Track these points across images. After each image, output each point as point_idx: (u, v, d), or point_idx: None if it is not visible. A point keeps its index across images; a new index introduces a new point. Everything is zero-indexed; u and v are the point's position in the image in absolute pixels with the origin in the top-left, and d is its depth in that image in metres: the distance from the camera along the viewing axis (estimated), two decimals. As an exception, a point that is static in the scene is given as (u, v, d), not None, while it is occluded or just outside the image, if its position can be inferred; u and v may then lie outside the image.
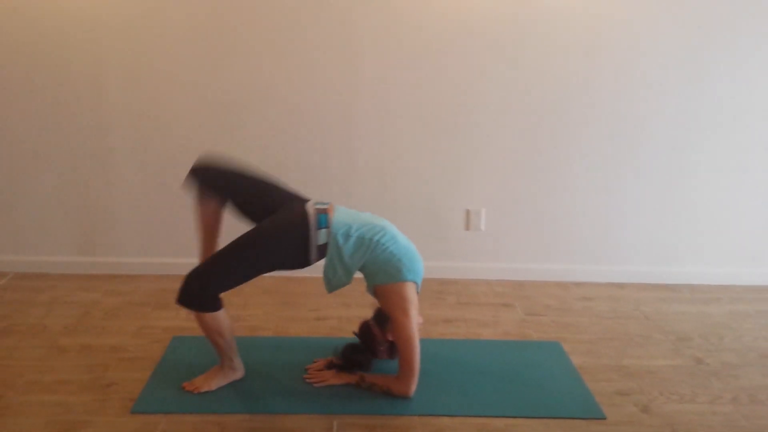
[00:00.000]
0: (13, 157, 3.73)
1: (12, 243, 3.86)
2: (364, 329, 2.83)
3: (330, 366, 2.82)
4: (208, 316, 2.63)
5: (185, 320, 3.31)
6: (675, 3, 3.56)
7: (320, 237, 2.60)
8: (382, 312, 2.78)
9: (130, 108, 3.67)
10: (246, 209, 2.76)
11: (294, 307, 3.52)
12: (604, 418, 2.57)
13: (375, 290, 2.73)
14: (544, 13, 3.57)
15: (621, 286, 3.91)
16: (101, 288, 3.68)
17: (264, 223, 2.64)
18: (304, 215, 2.61)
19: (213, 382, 2.72)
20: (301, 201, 2.72)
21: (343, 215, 2.68)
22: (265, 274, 2.67)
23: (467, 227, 3.88)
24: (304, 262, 2.63)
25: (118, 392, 2.67)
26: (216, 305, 2.65)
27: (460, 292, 3.74)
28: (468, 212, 3.86)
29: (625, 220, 3.89)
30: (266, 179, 2.81)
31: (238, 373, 2.78)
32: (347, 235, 2.61)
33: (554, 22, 3.58)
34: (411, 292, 2.67)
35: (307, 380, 2.77)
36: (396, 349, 2.78)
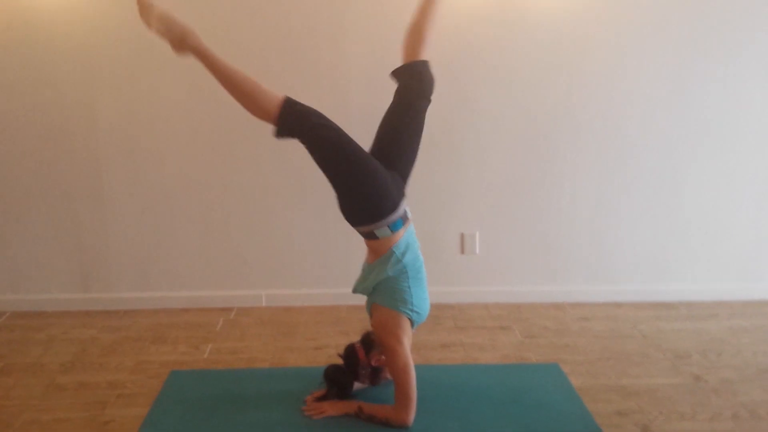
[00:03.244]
0: (7, 196, 3.74)
1: (8, 281, 3.86)
2: (349, 351, 2.83)
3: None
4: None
5: (183, 354, 3.32)
6: (661, 21, 3.61)
7: (383, 230, 2.62)
8: (370, 337, 2.80)
9: (122, 145, 3.69)
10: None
11: (292, 337, 3.52)
12: (605, 440, 2.57)
13: (373, 310, 2.74)
14: (533, 36, 3.61)
15: (618, 305, 3.91)
16: (98, 324, 3.68)
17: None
18: (401, 195, 2.66)
19: None
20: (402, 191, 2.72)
21: (412, 235, 2.73)
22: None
23: (462, 251, 3.89)
24: (357, 211, 2.65)
25: (116, 429, 2.67)
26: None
27: (456, 317, 3.74)
28: (462, 236, 3.87)
29: (619, 240, 3.90)
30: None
31: None
32: (403, 254, 2.66)
33: (542, 43, 3.62)
34: (407, 324, 2.69)
35: (306, 412, 2.76)
36: (379, 375, 2.82)
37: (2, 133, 3.66)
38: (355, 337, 3.34)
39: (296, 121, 2.54)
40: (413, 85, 2.79)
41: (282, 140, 2.63)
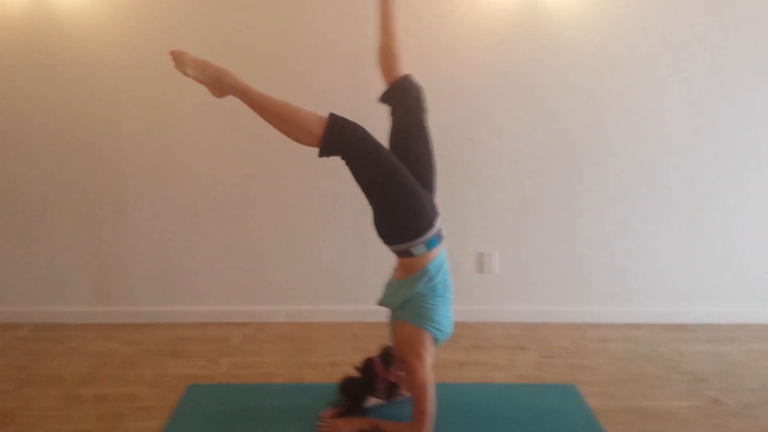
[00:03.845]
0: (31, 211, 3.81)
1: (30, 294, 3.91)
2: (367, 365, 2.83)
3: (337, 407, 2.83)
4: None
5: (200, 368, 3.34)
6: (687, 46, 3.62)
7: (419, 248, 2.63)
8: (389, 352, 2.80)
9: (145, 162, 3.75)
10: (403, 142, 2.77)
11: (309, 353, 3.53)
12: (623, 462, 2.55)
13: (397, 326, 2.74)
14: (558, 57, 3.63)
15: (637, 326, 3.88)
16: (118, 337, 3.72)
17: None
18: (435, 212, 2.69)
19: None
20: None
21: (444, 256, 2.75)
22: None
23: (480, 270, 3.89)
24: (394, 230, 2.65)
25: (134, 442, 2.69)
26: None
27: (473, 336, 3.73)
28: (481, 255, 3.88)
29: (638, 262, 3.89)
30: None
31: None
32: (437, 272, 2.68)
33: (567, 65, 3.64)
34: (430, 342, 2.69)
35: (320, 428, 2.76)
36: (395, 391, 2.81)
37: (29, 151, 3.73)
38: (371, 354, 3.36)
39: (342, 138, 2.54)
40: (406, 102, 2.81)
41: (321, 158, 2.61)
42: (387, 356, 2.82)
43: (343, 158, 2.58)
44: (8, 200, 3.79)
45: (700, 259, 3.89)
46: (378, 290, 3.92)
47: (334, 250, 3.89)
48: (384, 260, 3.85)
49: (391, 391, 2.84)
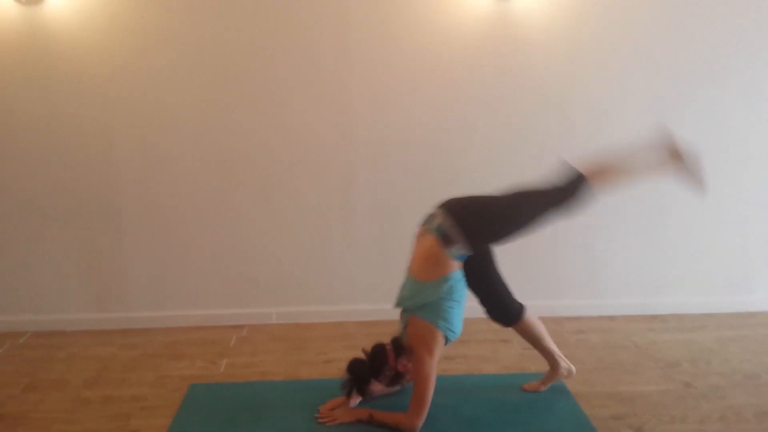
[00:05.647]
0: (27, 220, 3.92)
1: (28, 302, 4.02)
2: (378, 349, 2.95)
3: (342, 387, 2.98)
4: (524, 324, 3.06)
5: (200, 369, 3.48)
6: (647, 53, 3.86)
7: (458, 254, 2.85)
8: (400, 342, 2.96)
9: (137, 171, 3.88)
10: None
11: (303, 352, 3.69)
12: (601, 441, 2.75)
13: (411, 321, 2.91)
14: (524, 58, 3.85)
15: (612, 318, 4.11)
16: (116, 342, 3.84)
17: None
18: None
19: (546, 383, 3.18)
20: None
21: None
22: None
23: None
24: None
25: (143, 439, 2.83)
26: (521, 308, 3.09)
27: None
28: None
29: (612, 257, 4.12)
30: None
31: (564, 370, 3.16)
32: (457, 280, 2.90)
33: (533, 66, 3.86)
34: (442, 340, 2.88)
35: (319, 420, 2.93)
36: (398, 380, 2.96)
37: (23, 161, 3.84)
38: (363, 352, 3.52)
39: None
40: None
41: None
42: (398, 345, 2.96)
43: None
44: (5, 211, 3.90)
45: (671, 254, 4.13)
46: (367, 289, 4.12)
47: (322, 254, 4.06)
48: (373, 260, 4.06)
49: (394, 379, 2.97)
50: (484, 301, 3.09)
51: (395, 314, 3.10)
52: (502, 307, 3.08)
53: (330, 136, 3.89)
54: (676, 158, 3.03)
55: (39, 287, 4.01)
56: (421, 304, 2.88)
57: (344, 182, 3.96)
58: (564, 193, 2.90)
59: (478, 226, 2.86)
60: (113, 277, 4.02)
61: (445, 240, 2.81)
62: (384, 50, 3.80)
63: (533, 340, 3.13)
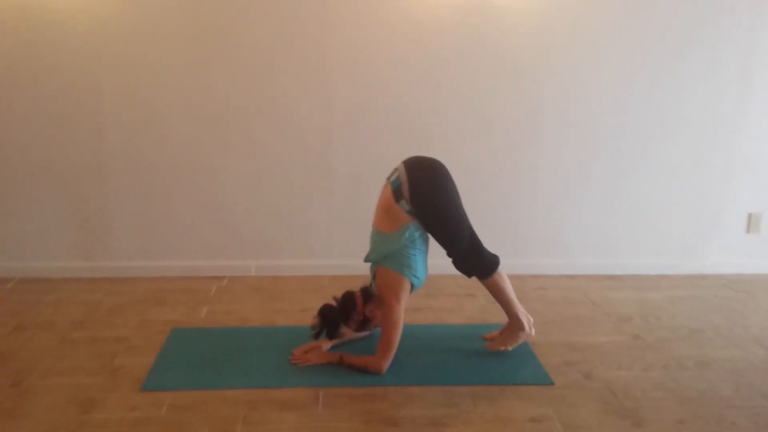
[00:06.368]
0: (14, 169, 4.06)
1: (15, 250, 4.18)
2: (348, 297, 3.16)
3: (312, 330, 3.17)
4: (494, 278, 3.17)
5: (182, 315, 3.68)
6: (611, 35, 4.06)
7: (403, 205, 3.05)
8: (369, 290, 3.18)
9: (124, 124, 4.03)
10: None
11: (279, 302, 3.90)
12: (553, 384, 3.00)
13: (378, 272, 3.12)
14: (499, 40, 4.02)
15: (571, 277, 4.36)
16: (102, 289, 4.03)
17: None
18: None
19: (508, 342, 3.24)
20: None
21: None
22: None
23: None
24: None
25: (127, 374, 3.03)
26: (495, 258, 3.20)
27: (428, 285, 4.03)
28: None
29: (574, 220, 4.36)
30: None
31: (530, 331, 3.26)
32: (417, 228, 3.11)
33: (508, 47, 4.04)
34: (408, 287, 3.09)
35: (293, 361, 3.15)
36: (366, 325, 3.19)
37: (11, 114, 3.97)
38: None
39: None
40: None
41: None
42: (367, 293, 3.18)
43: None
44: (-6, 163, 4.04)
45: (628, 217, 4.37)
46: (342, 246, 4.33)
47: (301, 210, 4.25)
48: (349, 217, 4.26)
49: (363, 324, 3.19)
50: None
51: (368, 269, 3.31)
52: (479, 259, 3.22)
53: (310, 98, 4.06)
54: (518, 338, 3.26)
55: (26, 236, 4.17)
56: (385, 254, 3.10)
57: (323, 143, 4.14)
58: (475, 256, 3.18)
59: (423, 189, 3.04)
60: (99, 227, 4.18)
61: (397, 193, 3.03)
62: (362, 18, 3.96)
63: (499, 294, 3.27)
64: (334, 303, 3.18)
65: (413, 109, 4.12)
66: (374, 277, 3.20)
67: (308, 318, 3.55)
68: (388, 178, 3.15)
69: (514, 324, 3.26)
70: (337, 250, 4.30)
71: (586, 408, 2.81)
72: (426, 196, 3.05)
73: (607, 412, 2.78)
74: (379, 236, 3.14)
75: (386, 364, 3.03)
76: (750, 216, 4.43)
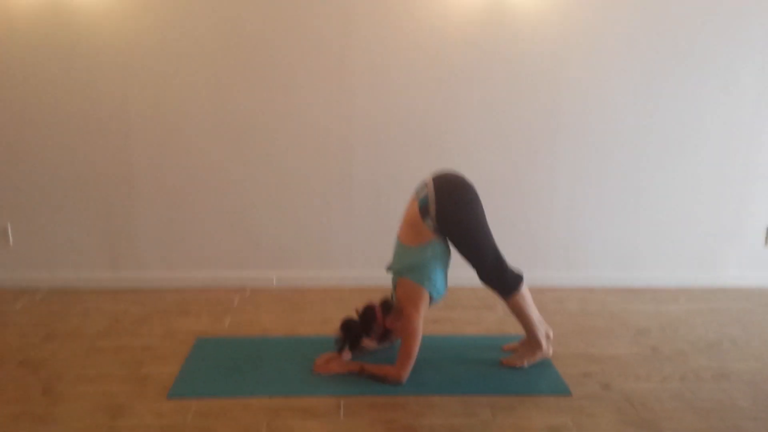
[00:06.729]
0: (44, 184, 4.17)
1: (44, 261, 4.29)
2: (368, 309, 3.25)
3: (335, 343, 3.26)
4: (515, 298, 3.23)
5: (206, 325, 3.76)
6: (632, 40, 4.10)
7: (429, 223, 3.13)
8: (389, 302, 3.25)
9: (151, 137, 4.13)
10: None
11: (301, 313, 3.97)
12: (571, 394, 3.04)
13: (399, 283, 3.18)
14: (516, 50, 4.08)
15: (590, 290, 4.39)
16: (127, 299, 4.12)
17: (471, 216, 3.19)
18: None
19: (525, 358, 3.30)
20: None
21: None
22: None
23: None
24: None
25: (154, 382, 3.11)
26: (518, 279, 3.24)
27: (447, 297, 4.13)
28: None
29: (593, 233, 4.39)
30: None
31: (548, 352, 3.33)
32: (441, 243, 3.19)
33: (525, 57, 4.10)
34: (427, 298, 3.16)
35: (315, 370, 3.21)
36: (387, 337, 3.25)
37: (42, 127, 4.08)
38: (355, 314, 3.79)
39: None
40: None
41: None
42: (386, 305, 3.26)
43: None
44: (25, 175, 4.15)
45: (646, 230, 4.40)
46: (363, 257, 4.40)
47: (322, 222, 4.32)
48: (369, 229, 4.32)
49: (384, 336, 3.28)
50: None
51: (388, 280, 3.38)
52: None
53: (331, 111, 4.14)
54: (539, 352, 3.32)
55: (55, 247, 4.28)
56: (407, 266, 3.16)
57: (344, 156, 4.21)
58: (497, 275, 3.23)
59: (449, 210, 3.11)
60: (125, 238, 4.29)
61: (424, 211, 3.09)
62: (383, 34, 4.04)
63: (520, 313, 3.31)
64: (355, 316, 3.25)
65: (432, 121, 4.19)
66: (395, 287, 3.25)
67: (330, 329, 3.63)
68: (417, 192, 3.21)
69: (533, 343, 3.31)
70: (357, 261, 4.37)
71: (604, 418, 2.85)
72: (452, 218, 3.12)
73: (625, 423, 2.81)
74: (402, 248, 3.21)
75: (406, 374, 3.09)
76: (768, 229, 4.45)
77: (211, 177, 4.22)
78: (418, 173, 4.10)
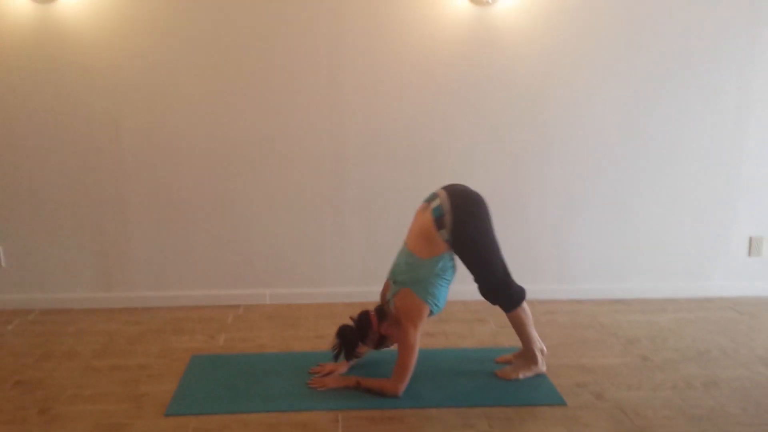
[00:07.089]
0: (37, 204, 4.19)
1: (37, 282, 4.29)
2: (363, 315, 3.27)
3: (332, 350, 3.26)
4: (517, 312, 3.25)
5: (200, 342, 3.78)
6: (619, 54, 4.20)
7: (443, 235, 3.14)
8: (384, 309, 3.28)
9: (142, 158, 4.17)
10: None
11: (295, 329, 3.99)
12: (565, 404, 3.08)
13: (401, 292, 3.18)
14: (503, 64, 4.17)
15: (579, 302, 4.45)
16: (121, 319, 4.13)
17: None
18: None
19: (520, 371, 3.32)
20: None
21: None
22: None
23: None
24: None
25: (151, 401, 3.12)
26: (522, 292, 3.27)
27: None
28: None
29: (581, 246, 4.46)
30: None
31: (542, 367, 3.35)
32: (450, 259, 3.21)
33: (512, 70, 4.18)
34: (426, 312, 3.18)
35: (311, 385, 3.24)
36: (383, 343, 3.28)
37: (34, 148, 4.11)
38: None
39: None
40: None
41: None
42: (381, 312, 3.29)
43: None
44: (17, 196, 4.17)
45: (635, 243, 4.47)
46: (356, 273, 4.42)
47: (314, 239, 4.36)
48: (360, 247, 4.36)
49: (380, 342, 3.29)
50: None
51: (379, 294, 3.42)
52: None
53: (323, 128, 4.20)
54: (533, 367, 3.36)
55: (47, 267, 4.28)
56: (414, 279, 3.17)
57: (336, 173, 4.26)
58: (503, 290, 3.28)
59: (465, 222, 3.14)
60: (118, 258, 4.30)
61: (439, 222, 3.12)
62: (374, 51, 4.11)
63: (520, 327, 3.34)
64: (351, 323, 3.28)
65: (423, 138, 4.25)
66: (394, 293, 3.25)
67: (324, 344, 3.66)
68: (428, 202, 3.23)
69: (529, 357, 3.35)
70: (349, 277, 4.41)
71: (599, 427, 2.89)
72: (467, 231, 3.15)
73: (619, 431, 2.86)
74: (412, 259, 3.20)
75: (402, 388, 3.12)
76: (751, 239, 4.53)
77: (203, 196, 4.25)
78: (410, 190, 4.18)
